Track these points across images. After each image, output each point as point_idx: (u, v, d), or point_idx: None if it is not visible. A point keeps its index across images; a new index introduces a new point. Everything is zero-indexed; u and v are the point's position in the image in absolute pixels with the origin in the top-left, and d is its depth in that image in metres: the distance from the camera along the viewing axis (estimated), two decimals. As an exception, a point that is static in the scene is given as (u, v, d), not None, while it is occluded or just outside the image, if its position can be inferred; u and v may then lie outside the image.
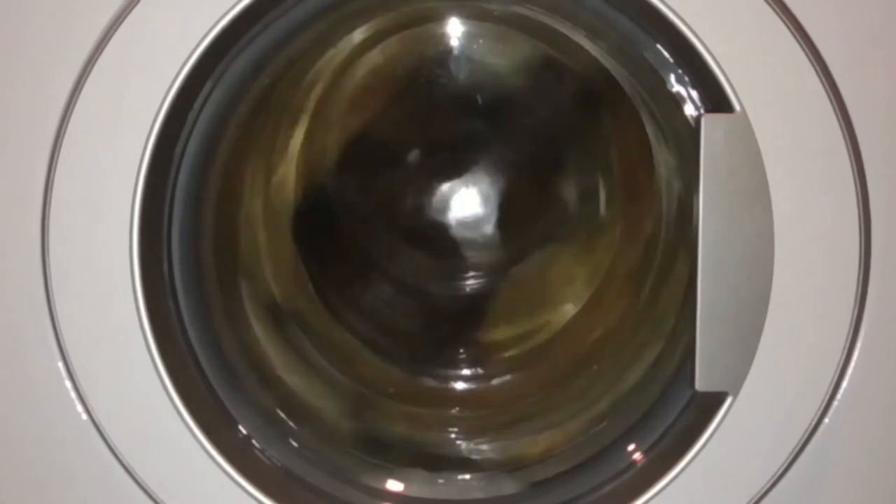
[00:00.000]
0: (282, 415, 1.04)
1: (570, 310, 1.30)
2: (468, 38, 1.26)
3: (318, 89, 1.22)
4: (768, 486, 0.91)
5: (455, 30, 1.25)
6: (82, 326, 0.89)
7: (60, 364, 0.91)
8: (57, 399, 0.91)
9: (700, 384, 0.89)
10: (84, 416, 0.91)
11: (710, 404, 0.90)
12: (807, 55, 0.86)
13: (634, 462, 0.97)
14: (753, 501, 0.91)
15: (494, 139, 1.32)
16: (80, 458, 0.92)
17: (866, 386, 0.92)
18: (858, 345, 0.91)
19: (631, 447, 0.99)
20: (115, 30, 0.87)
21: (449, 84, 1.28)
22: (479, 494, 1.07)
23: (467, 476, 1.07)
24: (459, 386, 1.26)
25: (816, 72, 0.87)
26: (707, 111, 0.89)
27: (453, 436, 1.16)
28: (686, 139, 0.92)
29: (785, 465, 0.91)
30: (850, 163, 0.87)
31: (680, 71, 0.91)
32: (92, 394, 0.90)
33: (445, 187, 1.32)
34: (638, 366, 1.09)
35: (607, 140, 1.27)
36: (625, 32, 0.94)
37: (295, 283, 1.25)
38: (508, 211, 1.32)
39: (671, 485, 0.91)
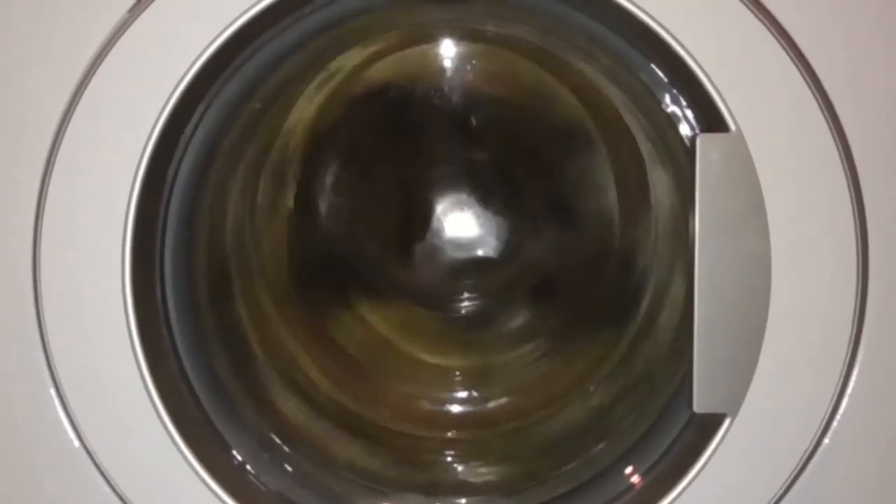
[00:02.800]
0: (276, 440, 1.04)
1: (566, 332, 1.29)
2: (462, 59, 1.26)
3: (310, 112, 1.22)
4: (768, 507, 0.90)
5: (449, 51, 1.25)
6: (74, 353, 0.89)
7: (52, 391, 0.90)
8: (49, 426, 0.90)
9: (698, 405, 0.89)
10: (76, 443, 0.90)
11: (708, 426, 0.90)
12: (802, 74, 0.86)
13: (633, 485, 0.97)
14: (754, 523, 0.91)
15: (489, 161, 1.32)
16: (73, 486, 0.91)
17: (866, 406, 0.91)
18: (857, 364, 0.91)
19: (629, 469, 0.98)
20: (107, 52, 0.87)
21: (443, 105, 1.28)
22: (476, 519, 1.06)
23: (463, 500, 1.07)
24: (455, 409, 1.26)
25: (811, 90, 0.86)
26: (702, 131, 0.89)
27: (450, 459, 1.16)
28: (682, 159, 0.92)
29: (785, 486, 0.90)
30: (846, 181, 0.87)
31: (675, 91, 0.91)
32: (84, 421, 0.89)
33: (440, 209, 1.31)
34: (635, 387, 1.08)
35: (602, 161, 1.27)
36: (619, 53, 0.94)
37: (289, 307, 1.24)
38: (503, 232, 1.32)
39: (670, 507, 0.90)
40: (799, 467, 0.90)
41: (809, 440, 0.89)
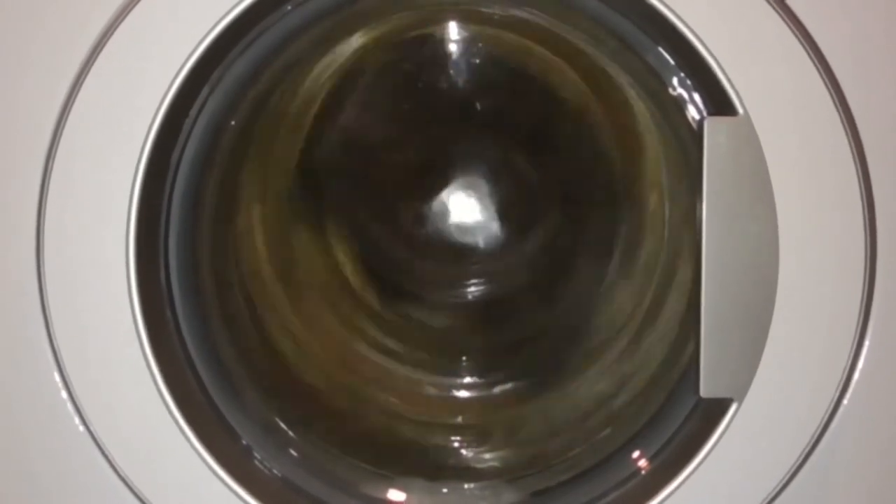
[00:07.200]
0: (282, 425, 1.04)
1: (572, 316, 1.29)
2: (468, 42, 1.26)
3: (315, 95, 1.21)
4: (775, 492, 0.91)
5: (455, 34, 1.25)
6: (78, 337, 0.89)
7: (57, 375, 0.90)
8: (53, 410, 0.90)
9: (705, 391, 0.89)
10: (81, 428, 0.91)
11: (715, 411, 0.90)
12: (810, 57, 0.86)
13: (639, 469, 0.97)
14: (760, 509, 0.90)
15: (495, 145, 1.32)
16: (77, 470, 0.91)
17: (873, 390, 0.91)
18: (865, 349, 0.90)
19: (636, 454, 0.98)
20: (110, 36, 0.86)
21: (449, 89, 1.28)
22: (479, 504, 1.06)
23: (467, 485, 1.07)
24: (462, 394, 1.26)
25: (820, 74, 0.86)
26: (710, 114, 0.88)
27: (456, 444, 1.16)
28: (689, 143, 0.92)
29: (791, 471, 0.90)
30: (854, 166, 0.87)
31: (682, 74, 0.91)
32: (88, 405, 0.89)
33: (446, 193, 1.31)
34: (642, 372, 1.08)
35: (609, 144, 1.27)
36: (626, 36, 0.94)
37: (294, 292, 1.24)
38: (509, 217, 1.32)
39: (676, 492, 0.90)
40: (806, 452, 0.90)
41: (816, 425, 0.89)
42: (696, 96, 0.90)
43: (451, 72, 1.27)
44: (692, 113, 0.91)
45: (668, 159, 1.09)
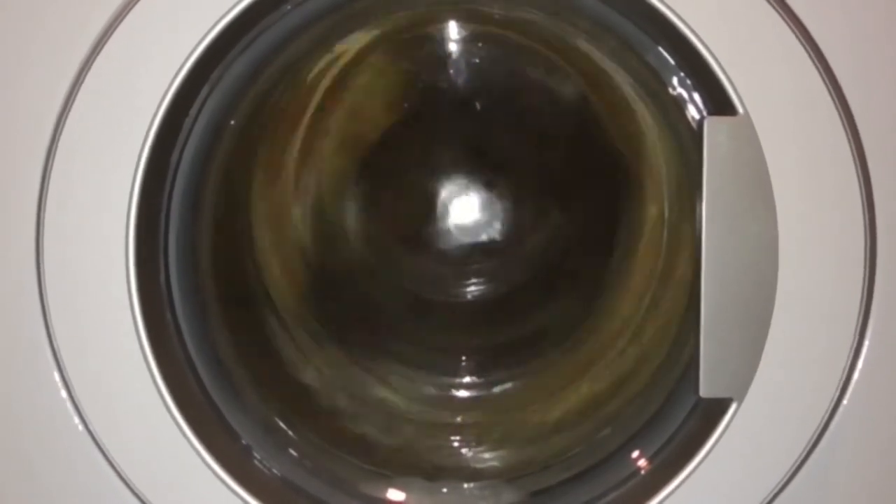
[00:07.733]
0: (281, 425, 1.04)
1: (572, 315, 1.29)
2: (469, 42, 1.26)
3: (315, 95, 1.21)
4: (775, 492, 0.90)
5: (455, 34, 1.25)
6: (78, 337, 0.88)
7: (56, 375, 0.90)
8: (53, 410, 0.90)
9: (704, 390, 0.89)
10: (80, 427, 0.90)
11: (714, 411, 0.90)
12: (810, 57, 0.86)
13: (639, 469, 0.97)
14: (759, 508, 0.90)
15: (495, 144, 1.32)
16: (77, 470, 0.91)
17: (873, 390, 0.91)
18: (864, 349, 0.90)
19: (635, 454, 0.98)
20: (110, 35, 0.86)
21: (449, 89, 1.28)
22: (478, 504, 1.06)
23: (467, 485, 1.07)
24: (461, 394, 1.26)
25: (820, 74, 0.86)
26: (710, 114, 0.88)
27: (456, 444, 1.16)
28: (689, 142, 0.92)
29: (791, 471, 0.90)
30: (854, 165, 0.87)
31: (682, 74, 0.91)
32: (88, 405, 0.89)
33: (446, 194, 1.31)
34: (642, 372, 1.08)
35: (609, 144, 1.27)
36: (626, 36, 0.94)
37: (295, 291, 1.24)
38: (509, 216, 1.32)
39: (676, 492, 0.90)
40: (806, 452, 0.90)
41: (816, 425, 0.89)
42: (696, 96, 0.90)
43: (451, 72, 1.27)
44: (692, 112, 0.91)
45: (668, 159, 1.09)
